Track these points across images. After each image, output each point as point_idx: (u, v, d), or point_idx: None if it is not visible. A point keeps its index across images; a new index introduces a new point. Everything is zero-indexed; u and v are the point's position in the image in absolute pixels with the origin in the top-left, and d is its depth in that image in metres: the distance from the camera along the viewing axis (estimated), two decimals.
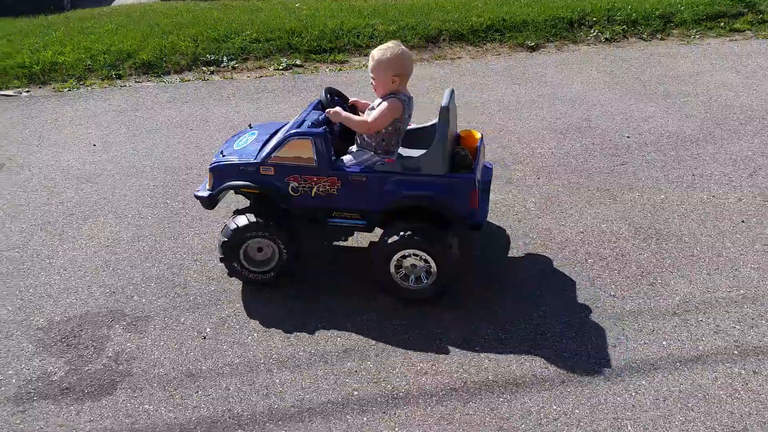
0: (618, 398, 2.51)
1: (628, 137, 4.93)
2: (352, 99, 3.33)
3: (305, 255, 3.30)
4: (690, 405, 2.46)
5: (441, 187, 2.90)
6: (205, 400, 2.59)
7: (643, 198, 4.01)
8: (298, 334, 2.94)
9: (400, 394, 2.58)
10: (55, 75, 7.24)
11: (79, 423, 2.50)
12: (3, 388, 2.69)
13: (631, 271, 3.29)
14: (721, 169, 4.35)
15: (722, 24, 8.05)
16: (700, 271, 3.27)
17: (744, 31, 7.94)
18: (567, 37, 7.87)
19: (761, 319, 2.91)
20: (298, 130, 2.96)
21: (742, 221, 3.70)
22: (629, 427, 2.37)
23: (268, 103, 6.11)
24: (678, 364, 2.67)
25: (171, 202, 4.22)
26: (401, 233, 2.90)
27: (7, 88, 7.02)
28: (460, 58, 7.46)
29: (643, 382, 2.58)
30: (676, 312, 2.98)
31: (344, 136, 3.21)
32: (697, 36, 7.80)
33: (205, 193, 3.18)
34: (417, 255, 2.94)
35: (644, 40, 7.79)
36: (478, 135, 3.20)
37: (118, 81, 7.12)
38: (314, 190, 3.02)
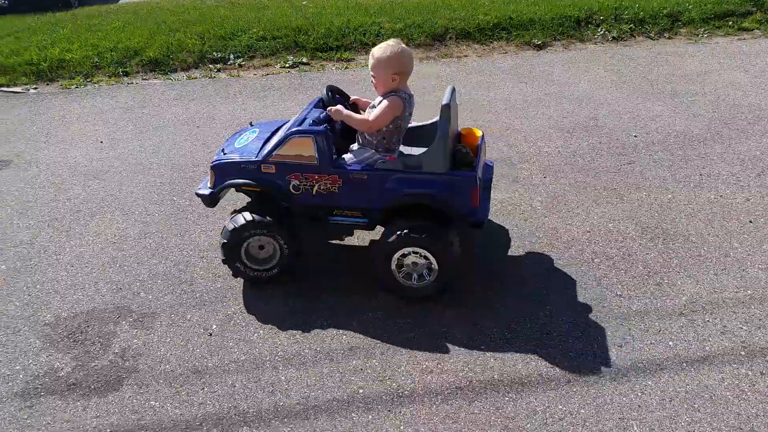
0: (624, 398, 2.50)
1: (635, 136, 4.91)
2: (353, 97, 3.33)
3: (306, 253, 3.30)
4: (696, 406, 2.45)
5: (442, 185, 2.90)
6: (210, 397, 2.59)
7: (650, 197, 3.99)
8: (303, 331, 2.94)
9: (406, 392, 2.58)
10: (62, 72, 7.28)
11: (85, 419, 2.52)
12: (10, 384, 2.71)
13: (637, 270, 3.28)
14: (729, 168, 4.32)
15: (730, 23, 8.00)
16: (707, 271, 3.26)
17: (752, 30, 7.89)
18: (574, 36, 7.84)
19: None
20: (300, 128, 2.96)
21: (750, 221, 3.68)
22: (635, 428, 2.36)
23: (274, 101, 6.12)
24: (684, 364, 2.66)
25: (178, 200, 4.24)
26: (402, 231, 2.90)
27: (15, 85, 7.06)
28: (466, 56, 7.44)
29: (650, 383, 2.57)
30: (683, 312, 2.97)
31: (345, 134, 3.21)
32: (705, 35, 7.76)
33: (207, 191, 3.18)
34: (417, 252, 2.94)
35: (652, 38, 7.76)
36: (479, 133, 3.19)
37: (125, 78, 7.14)
38: (315, 188, 3.02)
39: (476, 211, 2.98)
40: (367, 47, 7.61)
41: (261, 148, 3.10)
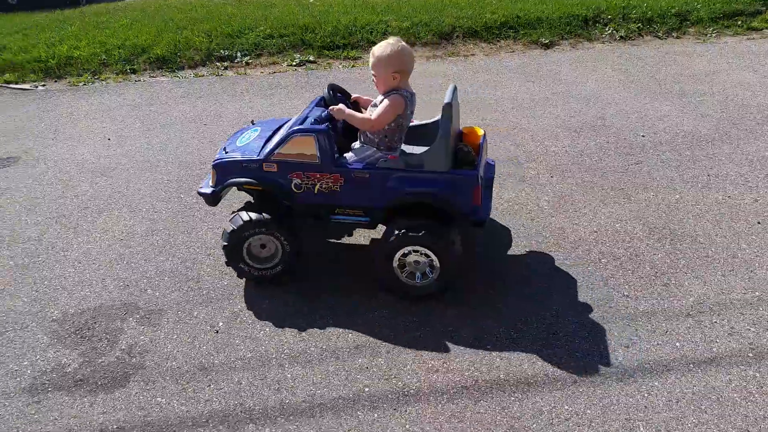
0: (630, 399, 2.49)
1: (642, 136, 4.89)
2: (354, 95, 3.33)
3: (306, 253, 3.29)
4: (703, 407, 2.44)
5: (444, 184, 2.89)
6: (217, 394, 2.60)
7: (657, 198, 3.98)
8: (309, 329, 2.95)
9: (411, 391, 2.58)
10: (70, 69, 7.31)
11: (92, 415, 2.53)
12: (18, 379, 2.73)
13: (644, 271, 3.27)
14: (737, 169, 4.30)
15: (739, 22, 7.96)
16: (714, 272, 3.24)
17: (761, 29, 7.84)
18: (582, 35, 7.82)
19: None
20: (301, 126, 2.96)
21: (758, 222, 3.66)
22: (641, 429, 2.36)
23: (281, 99, 6.13)
24: (691, 365, 2.65)
25: (185, 197, 4.25)
26: (404, 230, 2.90)
27: (24, 82, 7.10)
28: (473, 55, 7.43)
29: (656, 384, 2.56)
30: (690, 313, 2.95)
31: (347, 132, 3.21)
32: (714, 34, 7.72)
33: (208, 190, 3.19)
34: (419, 251, 2.94)
35: (660, 38, 7.72)
36: (480, 131, 3.18)
37: (133, 75, 7.17)
38: (317, 186, 3.02)
39: (478, 209, 2.97)
40: (373, 45, 7.60)
41: (263, 147, 3.10)
